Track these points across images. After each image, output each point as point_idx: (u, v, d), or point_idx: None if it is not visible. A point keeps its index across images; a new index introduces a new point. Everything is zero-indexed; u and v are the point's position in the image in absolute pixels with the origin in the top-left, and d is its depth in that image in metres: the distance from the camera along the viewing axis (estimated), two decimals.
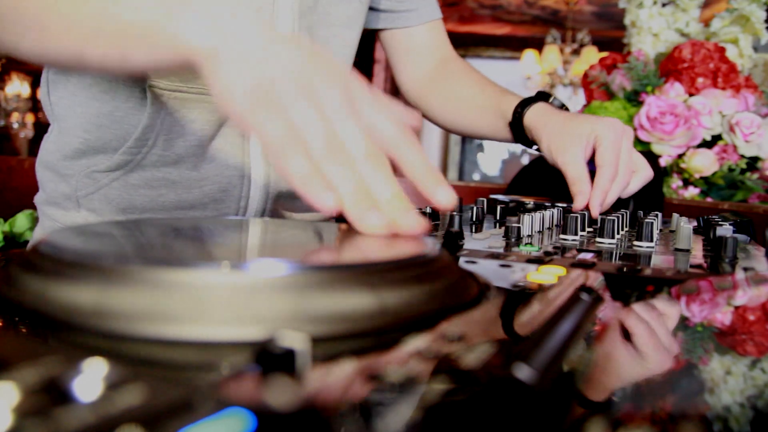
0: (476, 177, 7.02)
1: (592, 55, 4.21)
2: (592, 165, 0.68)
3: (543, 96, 0.76)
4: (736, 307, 0.32)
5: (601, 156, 0.66)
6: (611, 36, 5.27)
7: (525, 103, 0.75)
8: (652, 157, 1.36)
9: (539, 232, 0.57)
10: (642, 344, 0.23)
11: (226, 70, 0.36)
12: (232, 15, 0.37)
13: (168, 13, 0.38)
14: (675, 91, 1.61)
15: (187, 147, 0.61)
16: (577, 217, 0.53)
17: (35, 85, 4.88)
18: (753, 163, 1.59)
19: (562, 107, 0.75)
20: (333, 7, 0.69)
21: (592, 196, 0.64)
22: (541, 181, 1.35)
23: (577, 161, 0.67)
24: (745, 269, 0.41)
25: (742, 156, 1.57)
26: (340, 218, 0.67)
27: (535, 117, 0.73)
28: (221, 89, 0.36)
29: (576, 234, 0.53)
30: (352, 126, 0.34)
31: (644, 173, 0.71)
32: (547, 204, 0.79)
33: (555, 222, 0.64)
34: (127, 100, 0.59)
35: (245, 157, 0.64)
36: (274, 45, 0.36)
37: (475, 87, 0.84)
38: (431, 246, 0.27)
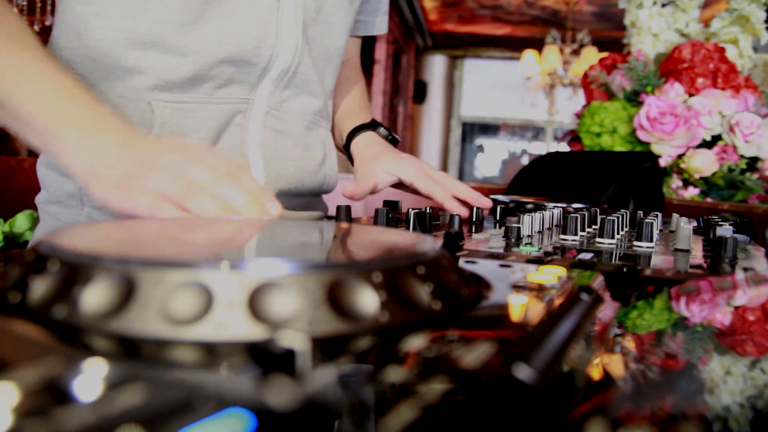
0: (476, 177, 7.02)
1: (592, 56, 4.22)
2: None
3: (374, 125, 0.84)
4: (736, 308, 0.32)
5: (419, 185, 0.74)
6: (611, 36, 5.27)
7: (356, 131, 0.83)
8: (652, 157, 1.36)
9: (539, 232, 0.58)
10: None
11: (97, 186, 0.46)
12: (103, 128, 0.48)
13: (52, 128, 0.48)
14: (675, 91, 1.61)
15: None
16: (577, 218, 0.53)
17: None
18: (753, 163, 1.59)
19: (387, 137, 0.84)
20: (333, 17, 0.71)
21: (449, 203, 0.72)
22: (541, 181, 1.35)
23: (363, 184, 0.75)
24: (745, 269, 0.41)
25: (742, 156, 1.57)
26: (330, 216, 0.68)
27: (357, 146, 0.82)
28: (98, 197, 0.47)
29: (576, 234, 0.53)
30: (200, 165, 0.45)
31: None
32: (547, 204, 0.79)
33: (555, 222, 0.64)
34: (132, 115, 0.60)
35: (243, 158, 0.66)
36: (130, 152, 0.47)
37: (346, 105, 0.89)
38: (431, 246, 0.27)
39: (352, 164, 0.83)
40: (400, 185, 0.78)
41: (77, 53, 0.59)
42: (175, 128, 0.61)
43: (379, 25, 0.89)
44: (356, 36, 0.89)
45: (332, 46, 0.73)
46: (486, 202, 0.72)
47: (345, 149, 0.84)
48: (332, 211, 0.63)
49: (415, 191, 0.77)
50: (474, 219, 0.67)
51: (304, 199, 0.79)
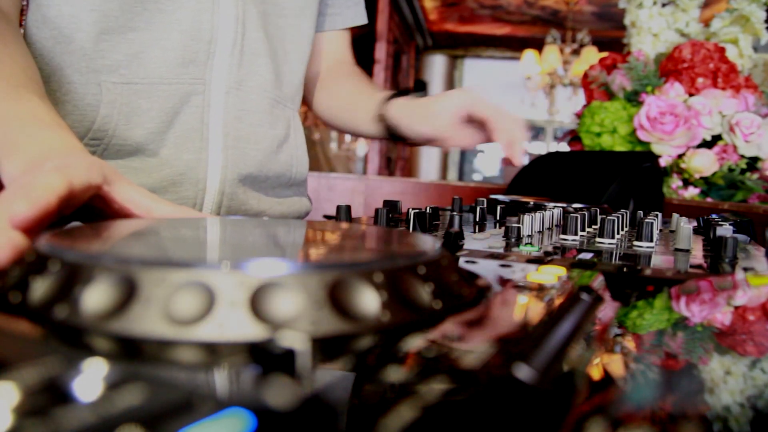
0: (476, 177, 7.02)
1: (592, 55, 4.22)
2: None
3: (406, 92, 0.82)
4: (736, 307, 0.32)
5: (482, 111, 0.72)
6: (611, 36, 5.27)
7: (392, 97, 0.81)
8: (652, 157, 1.36)
9: (539, 232, 0.58)
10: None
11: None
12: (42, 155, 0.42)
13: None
14: (675, 91, 1.61)
15: (146, 135, 0.64)
16: (577, 217, 0.53)
17: None
18: (753, 163, 1.59)
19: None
20: None
21: (512, 145, 0.71)
22: (541, 181, 1.35)
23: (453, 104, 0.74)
24: (745, 269, 0.41)
25: (742, 156, 1.57)
26: (330, 216, 0.68)
27: (398, 107, 0.79)
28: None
29: (576, 234, 0.53)
30: None
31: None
32: (547, 204, 0.79)
33: (555, 222, 0.64)
34: (84, 98, 0.62)
35: (203, 141, 0.67)
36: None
37: (356, 88, 0.89)
38: (431, 246, 0.27)
39: (391, 133, 0.81)
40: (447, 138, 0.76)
41: (44, 36, 0.62)
42: (125, 107, 0.62)
43: (355, 16, 0.89)
44: (341, 30, 0.90)
45: (287, 24, 0.74)
46: (519, 161, 0.71)
47: (378, 121, 0.82)
48: (332, 211, 0.63)
49: (472, 119, 0.75)
50: (475, 219, 0.67)
51: (282, 191, 0.79)
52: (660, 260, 0.43)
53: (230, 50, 0.67)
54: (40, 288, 0.21)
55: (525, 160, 0.69)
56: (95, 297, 0.20)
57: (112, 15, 0.60)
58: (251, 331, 0.19)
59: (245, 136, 0.70)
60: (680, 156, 1.60)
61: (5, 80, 0.49)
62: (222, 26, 0.65)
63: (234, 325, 0.19)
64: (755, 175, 1.58)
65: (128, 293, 0.19)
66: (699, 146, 1.60)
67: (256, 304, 0.19)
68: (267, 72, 0.72)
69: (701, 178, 1.59)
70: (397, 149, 5.44)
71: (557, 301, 0.27)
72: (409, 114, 0.78)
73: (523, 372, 0.16)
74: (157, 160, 0.65)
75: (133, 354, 0.18)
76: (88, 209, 0.40)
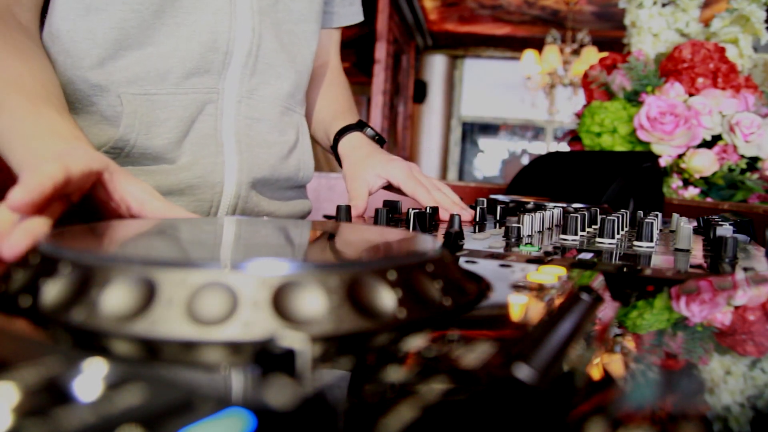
0: (476, 177, 7.03)
1: (592, 55, 4.22)
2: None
3: (361, 125, 0.84)
4: (736, 307, 0.32)
5: (405, 187, 0.75)
6: (611, 36, 5.27)
7: (343, 132, 0.84)
8: (652, 157, 1.36)
9: (539, 232, 0.57)
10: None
11: None
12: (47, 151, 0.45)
13: (9, 147, 0.48)
14: (675, 91, 1.60)
15: (165, 144, 0.64)
16: (577, 217, 0.53)
17: None
18: (753, 163, 1.59)
19: (374, 138, 0.84)
20: (294, 3, 0.73)
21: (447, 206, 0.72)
22: (541, 181, 1.35)
23: (360, 192, 0.76)
24: (745, 269, 0.41)
25: (742, 156, 1.57)
26: (330, 216, 0.68)
27: (345, 147, 0.83)
28: None
29: (576, 234, 0.53)
30: None
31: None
32: (547, 204, 0.79)
33: (555, 222, 0.64)
34: (106, 109, 0.62)
35: (219, 146, 0.68)
36: None
37: (327, 101, 0.90)
38: (431, 245, 0.27)
39: (341, 165, 0.84)
40: (388, 187, 0.79)
41: (56, 50, 0.62)
42: (145, 118, 0.63)
43: (351, 15, 0.90)
44: (332, 29, 0.90)
45: (299, 31, 0.75)
46: (465, 215, 0.70)
47: (332, 150, 0.85)
48: (332, 211, 0.63)
49: (401, 193, 0.77)
50: (475, 219, 0.67)
51: (286, 193, 0.80)
52: (660, 260, 0.43)
53: (244, 60, 0.67)
54: (38, 287, 0.21)
55: (468, 215, 0.70)
56: (94, 296, 0.20)
57: (132, 32, 0.61)
58: (250, 330, 0.19)
59: (256, 142, 0.71)
60: (680, 156, 1.60)
61: (25, 96, 0.50)
62: (238, 37, 0.66)
63: (232, 324, 0.19)
64: (755, 175, 1.58)
65: (127, 292, 0.19)
66: (699, 146, 1.60)
67: (253, 303, 0.19)
68: (281, 81, 0.73)
69: (701, 178, 1.59)
70: (397, 149, 5.44)
71: (557, 301, 0.27)
72: (348, 161, 0.81)
73: (523, 372, 0.16)
74: (176, 165, 0.66)
75: (133, 354, 0.18)
76: (91, 199, 0.42)
